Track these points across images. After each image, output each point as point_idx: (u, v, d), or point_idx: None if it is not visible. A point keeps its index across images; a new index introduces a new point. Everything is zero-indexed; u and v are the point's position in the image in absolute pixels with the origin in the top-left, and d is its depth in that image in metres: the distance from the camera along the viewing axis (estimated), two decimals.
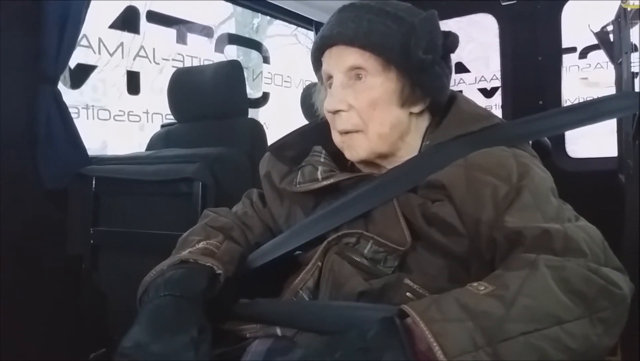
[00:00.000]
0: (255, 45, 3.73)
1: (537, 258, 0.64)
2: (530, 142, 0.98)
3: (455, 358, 0.54)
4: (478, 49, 3.22)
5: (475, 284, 0.63)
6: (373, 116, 0.85)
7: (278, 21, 3.15)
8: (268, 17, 3.85)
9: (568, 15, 2.46)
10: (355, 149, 0.88)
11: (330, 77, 0.89)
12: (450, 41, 0.88)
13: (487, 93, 3.34)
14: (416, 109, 0.88)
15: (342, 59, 0.86)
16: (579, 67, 3.17)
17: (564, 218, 0.74)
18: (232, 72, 1.69)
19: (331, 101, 0.87)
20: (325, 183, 0.89)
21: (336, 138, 0.91)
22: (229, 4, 3.12)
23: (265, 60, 3.56)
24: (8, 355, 1.41)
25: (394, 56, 0.83)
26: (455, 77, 3.25)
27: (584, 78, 3.19)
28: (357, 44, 0.84)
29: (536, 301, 0.59)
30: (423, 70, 0.84)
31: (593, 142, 2.41)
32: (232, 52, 3.43)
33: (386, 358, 0.55)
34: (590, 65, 3.17)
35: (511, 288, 0.60)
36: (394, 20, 0.84)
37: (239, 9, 3.62)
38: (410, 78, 0.85)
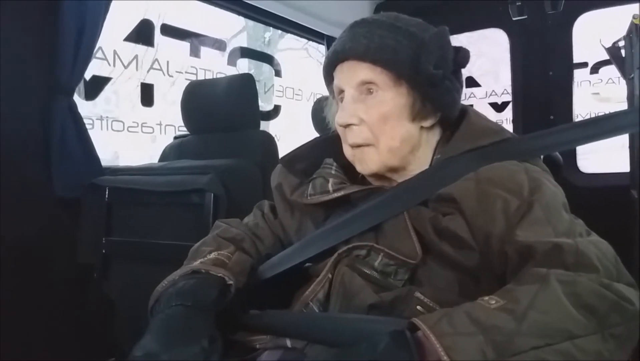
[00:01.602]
0: (267, 58, 3.76)
1: (548, 273, 0.64)
2: (542, 157, 0.98)
3: None
4: (488, 64, 3.22)
5: (486, 298, 0.63)
6: (384, 130, 0.86)
7: (289, 35, 3.18)
8: (279, 31, 3.88)
9: (579, 30, 2.47)
10: (367, 163, 0.88)
11: (341, 91, 0.90)
12: (461, 56, 0.88)
13: (498, 107, 3.33)
14: (427, 123, 0.89)
15: (354, 73, 0.87)
16: (590, 82, 3.16)
17: (575, 232, 0.73)
18: (245, 85, 1.71)
19: (343, 115, 0.87)
20: (336, 195, 0.90)
21: (347, 151, 0.92)
22: (241, 18, 3.16)
23: (277, 73, 3.59)
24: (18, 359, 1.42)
25: (404, 71, 0.84)
26: (465, 91, 3.27)
27: (596, 93, 3.18)
28: (369, 59, 0.85)
29: (547, 316, 0.58)
30: (434, 85, 0.85)
31: (605, 157, 2.40)
32: (243, 65, 3.46)
33: None
34: (601, 80, 3.15)
35: (522, 302, 0.60)
36: (405, 36, 0.85)
37: (251, 22, 3.65)
38: (421, 93, 0.86)
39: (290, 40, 4.11)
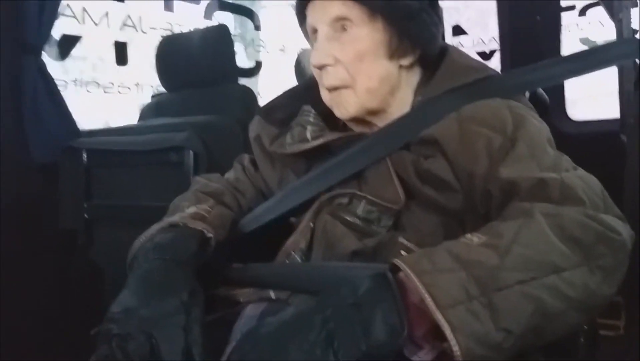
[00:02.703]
0: (246, 12, 3.64)
1: (532, 207, 0.62)
2: (527, 96, 0.95)
3: (447, 308, 0.53)
4: (476, 15, 3.17)
5: (468, 235, 0.62)
6: (361, 70, 0.82)
7: None
8: None
9: None
10: (344, 106, 0.85)
11: (315, 30, 0.85)
12: None
13: (486, 56, 3.29)
14: (406, 61, 0.85)
15: (326, 9, 0.82)
16: (578, 25, 3.11)
17: (561, 167, 0.71)
18: (221, 37, 1.65)
19: (316, 55, 0.83)
20: (315, 143, 0.87)
21: (325, 96, 0.88)
22: None
23: (257, 28, 3.50)
24: (3, 330, 1.41)
25: (379, 4, 0.80)
26: (452, 40, 3.21)
27: (585, 38, 3.14)
28: None
29: (532, 250, 0.57)
30: (410, 17, 0.81)
31: (594, 105, 2.38)
32: (229, 22, 3.38)
33: (378, 313, 0.54)
34: (590, 23, 3.10)
35: (505, 237, 0.58)
36: None
37: None
38: (398, 27, 0.81)
39: None
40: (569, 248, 0.58)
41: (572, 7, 2.99)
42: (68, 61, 2.32)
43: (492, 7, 2.57)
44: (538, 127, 0.78)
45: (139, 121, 1.84)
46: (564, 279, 0.56)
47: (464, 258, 0.57)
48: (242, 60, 3.44)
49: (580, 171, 0.73)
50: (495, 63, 3.10)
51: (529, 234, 0.59)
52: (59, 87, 1.68)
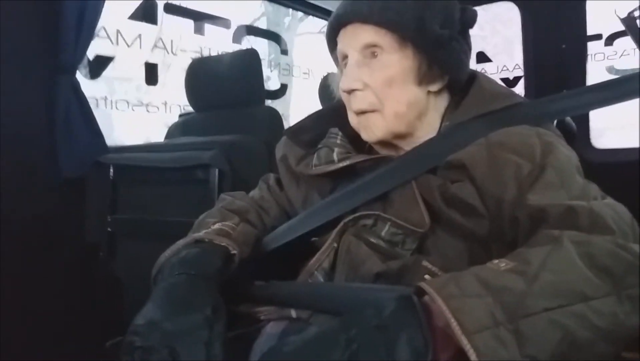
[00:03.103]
0: (274, 36, 3.72)
1: (561, 234, 0.61)
2: (555, 123, 0.95)
3: (474, 334, 0.52)
4: (503, 43, 3.18)
5: (495, 261, 0.61)
6: (389, 95, 0.83)
7: (307, 20, 3.13)
8: (299, 16, 3.86)
9: (593, 1, 2.39)
10: (372, 129, 0.86)
11: (345, 56, 0.87)
12: (468, 16, 0.85)
13: (510, 83, 3.29)
14: (434, 87, 0.86)
15: (357, 37, 0.84)
16: (604, 54, 3.09)
17: (589, 196, 0.71)
18: (249, 60, 1.68)
19: (346, 80, 0.84)
20: (341, 164, 0.87)
21: (352, 119, 0.89)
22: (261, 2, 3.13)
23: (283, 52, 3.56)
24: (25, 342, 1.43)
25: (409, 32, 0.81)
26: (477, 66, 3.22)
27: (610, 67, 3.11)
28: (372, 21, 0.82)
29: (560, 277, 0.56)
30: (440, 46, 0.82)
31: (621, 134, 2.34)
32: (263, 48, 3.46)
33: (403, 336, 0.53)
34: (616, 52, 3.08)
35: (533, 263, 0.57)
36: None
37: (271, 7, 3.65)
38: (427, 55, 0.82)
39: (309, 24, 4.08)
40: (597, 277, 0.56)
41: (599, 37, 2.97)
42: (100, 79, 2.39)
43: (517, 35, 2.58)
44: (567, 154, 0.78)
45: (165, 138, 1.87)
46: (592, 308, 0.55)
47: (492, 283, 0.56)
48: (270, 83, 3.52)
49: (609, 200, 0.72)
50: (519, 90, 3.10)
51: (557, 261, 0.58)
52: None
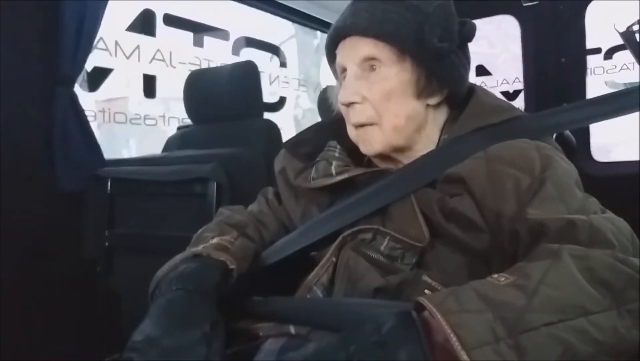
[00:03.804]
0: (273, 49, 3.75)
1: (560, 248, 0.61)
2: (554, 137, 0.94)
3: (474, 349, 0.51)
4: (502, 55, 3.19)
5: (495, 276, 0.60)
6: (388, 108, 0.83)
7: None
8: None
9: (592, 15, 2.40)
10: (371, 143, 0.85)
11: (344, 69, 0.87)
12: (468, 29, 0.85)
13: (510, 96, 3.30)
14: (433, 100, 0.86)
15: (356, 49, 0.84)
16: (604, 68, 3.10)
17: (589, 210, 0.70)
18: (248, 72, 1.68)
19: (345, 93, 0.84)
20: (339, 178, 0.87)
21: (351, 132, 0.89)
22: (291, 25, 3.18)
23: (282, 64, 3.59)
24: (22, 357, 1.41)
25: (408, 45, 0.81)
26: (476, 79, 3.23)
27: (610, 80, 3.12)
28: (371, 34, 0.82)
29: (560, 291, 0.55)
30: (439, 59, 0.81)
31: (623, 150, 2.34)
32: (275, 64, 3.53)
33: (402, 351, 0.52)
34: (615, 66, 3.09)
35: (533, 278, 0.57)
36: (408, 9, 0.82)
37: (301, 30, 3.70)
38: (426, 68, 0.82)
39: None
40: (597, 291, 0.56)
41: (598, 50, 2.99)
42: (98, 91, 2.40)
43: (518, 47, 2.59)
44: (566, 168, 0.77)
45: (163, 151, 1.87)
46: (592, 322, 0.54)
47: (491, 298, 0.55)
48: (267, 95, 3.54)
49: (609, 214, 0.72)
50: (518, 104, 3.10)
51: (557, 275, 0.57)
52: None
